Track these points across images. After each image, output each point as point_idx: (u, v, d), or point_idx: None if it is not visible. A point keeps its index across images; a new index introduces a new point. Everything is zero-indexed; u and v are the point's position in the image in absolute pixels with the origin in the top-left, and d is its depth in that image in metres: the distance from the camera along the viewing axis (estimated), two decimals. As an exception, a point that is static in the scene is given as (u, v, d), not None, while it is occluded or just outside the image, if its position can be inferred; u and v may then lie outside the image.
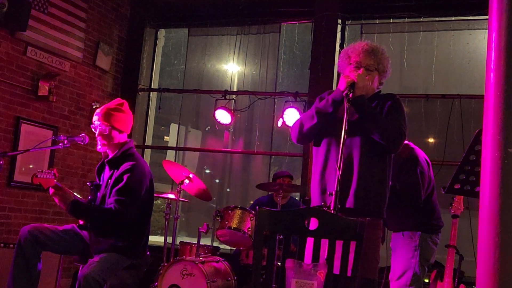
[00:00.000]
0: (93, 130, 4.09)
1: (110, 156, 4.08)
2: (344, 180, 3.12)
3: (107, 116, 4.03)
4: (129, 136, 4.21)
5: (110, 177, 4.00)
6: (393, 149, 3.25)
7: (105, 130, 4.01)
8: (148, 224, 4.13)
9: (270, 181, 6.46)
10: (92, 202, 4.04)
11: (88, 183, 4.23)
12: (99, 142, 4.06)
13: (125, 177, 3.89)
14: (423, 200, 4.17)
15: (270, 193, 6.47)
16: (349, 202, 3.13)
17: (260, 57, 7.72)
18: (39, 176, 3.84)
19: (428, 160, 4.36)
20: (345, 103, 3.07)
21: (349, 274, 2.44)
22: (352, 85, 3.14)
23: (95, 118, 4.06)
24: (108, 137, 4.03)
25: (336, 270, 2.45)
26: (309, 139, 3.45)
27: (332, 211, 2.84)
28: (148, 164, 7.81)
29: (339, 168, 2.89)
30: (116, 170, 3.98)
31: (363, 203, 3.14)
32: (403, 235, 4.21)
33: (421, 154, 4.31)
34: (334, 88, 6.68)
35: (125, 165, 3.94)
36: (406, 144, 4.40)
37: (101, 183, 4.14)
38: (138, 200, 3.92)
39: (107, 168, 4.11)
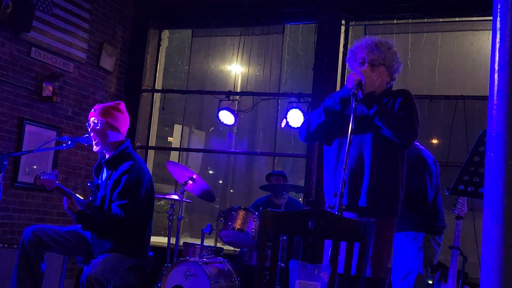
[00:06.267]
0: (88, 129, 4.07)
1: (107, 157, 4.06)
2: (355, 179, 3.11)
3: (102, 112, 4.01)
4: (132, 137, 4.20)
5: (108, 178, 3.99)
6: (405, 146, 3.21)
7: (97, 125, 3.97)
8: (149, 224, 4.12)
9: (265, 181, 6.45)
10: (93, 203, 4.04)
11: (88, 184, 4.22)
12: (93, 141, 4.01)
13: (123, 178, 3.87)
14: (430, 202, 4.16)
15: (268, 193, 6.49)
16: (362, 201, 3.11)
17: (263, 58, 7.72)
18: (41, 177, 3.85)
19: (436, 162, 4.35)
20: (352, 102, 3.05)
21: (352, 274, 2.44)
22: (359, 83, 3.12)
23: (90, 115, 4.04)
24: (102, 134, 3.98)
25: (343, 271, 2.44)
26: (316, 137, 3.43)
27: (337, 211, 2.84)
28: (152, 165, 7.90)
29: (345, 169, 2.88)
30: (114, 171, 3.97)
31: (376, 201, 3.11)
32: (407, 236, 4.20)
33: (429, 156, 4.30)
34: (338, 89, 6.69)
35: (123, 166, 3.92)
36: (414, 144, 4.38)
37: (99, 183, 4.13)
38: (139, 200, 3.92)
39: (105, 168, 4.10)
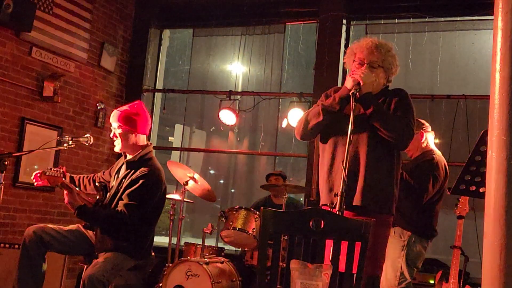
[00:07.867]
0: (111, 133, 4.08)
1: (129, 157, 4.08)
2: (350, 177, 3.10)
3: (123, 119, 4.01)
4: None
5: (124, 177, 4.00)
6: (401, 146, 3.22)
7: (124, 134, 4.00)
8: (154, 226, 4.13)
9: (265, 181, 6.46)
10: (100, 202, 4.04)
11: (96, 183, 4.24)
12: (118, 144, 4.04)
13: (140, 181, 3.89)
14: (425, 204, 4.15)
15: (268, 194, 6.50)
16: (356, 200, 3.11)
17: (264, 58, 7.71)
18: (47, 173, 3.88)
19: (447, 170, 4.34)
20: (351, 102, 3.05)
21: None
22: (358, 84, 3.13)
23: (114, 123, 4.03)
24: (125, 139, 4.02)
25: (342, 270, 2.44)
26: (313, 136, 3.44)
27: (338, 211, 2.83)
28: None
29: (344, 169, 2.88)
30: (133, 172, 3.98)
31: (371, 200, 3.11)
32: (394, 232, 4.16)
33: (442, 161, 4.30)
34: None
35: (143, 170, 3.94)
36: (431, 150, 4.38)
37: (114, 180, 4.13)
38: (147, 205, 3.92)
39: (124, 166, 4.11)
